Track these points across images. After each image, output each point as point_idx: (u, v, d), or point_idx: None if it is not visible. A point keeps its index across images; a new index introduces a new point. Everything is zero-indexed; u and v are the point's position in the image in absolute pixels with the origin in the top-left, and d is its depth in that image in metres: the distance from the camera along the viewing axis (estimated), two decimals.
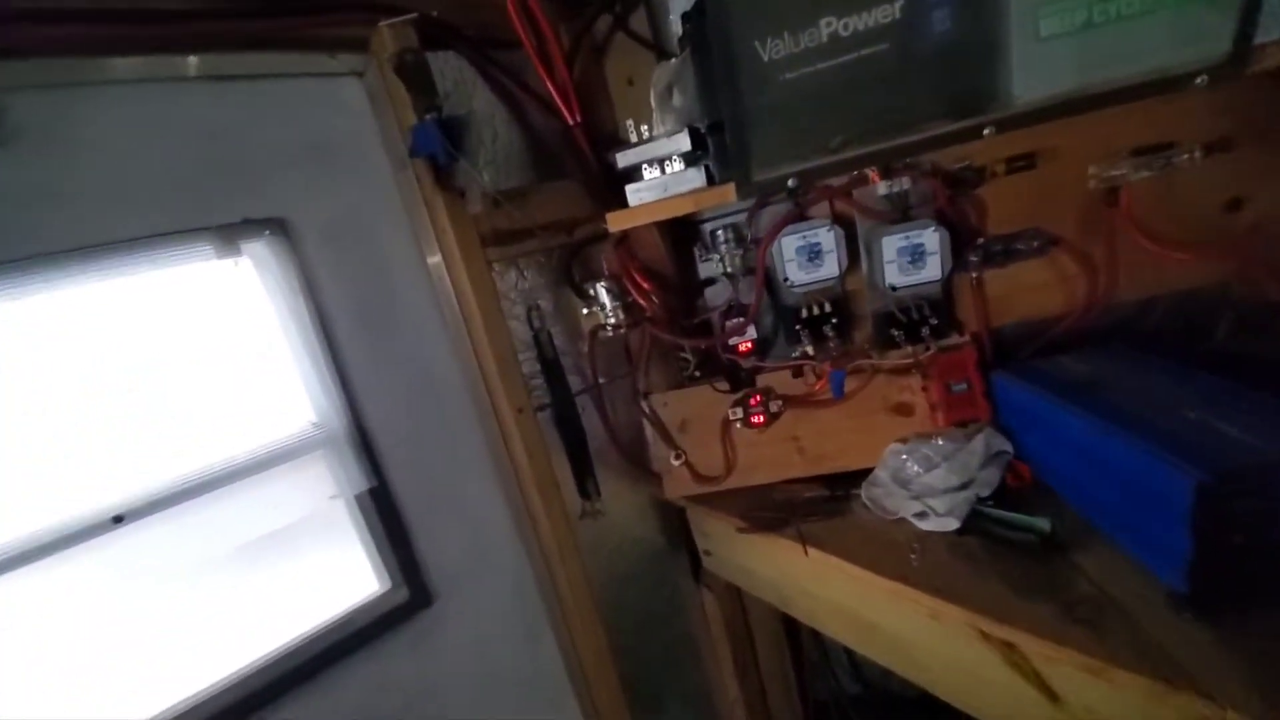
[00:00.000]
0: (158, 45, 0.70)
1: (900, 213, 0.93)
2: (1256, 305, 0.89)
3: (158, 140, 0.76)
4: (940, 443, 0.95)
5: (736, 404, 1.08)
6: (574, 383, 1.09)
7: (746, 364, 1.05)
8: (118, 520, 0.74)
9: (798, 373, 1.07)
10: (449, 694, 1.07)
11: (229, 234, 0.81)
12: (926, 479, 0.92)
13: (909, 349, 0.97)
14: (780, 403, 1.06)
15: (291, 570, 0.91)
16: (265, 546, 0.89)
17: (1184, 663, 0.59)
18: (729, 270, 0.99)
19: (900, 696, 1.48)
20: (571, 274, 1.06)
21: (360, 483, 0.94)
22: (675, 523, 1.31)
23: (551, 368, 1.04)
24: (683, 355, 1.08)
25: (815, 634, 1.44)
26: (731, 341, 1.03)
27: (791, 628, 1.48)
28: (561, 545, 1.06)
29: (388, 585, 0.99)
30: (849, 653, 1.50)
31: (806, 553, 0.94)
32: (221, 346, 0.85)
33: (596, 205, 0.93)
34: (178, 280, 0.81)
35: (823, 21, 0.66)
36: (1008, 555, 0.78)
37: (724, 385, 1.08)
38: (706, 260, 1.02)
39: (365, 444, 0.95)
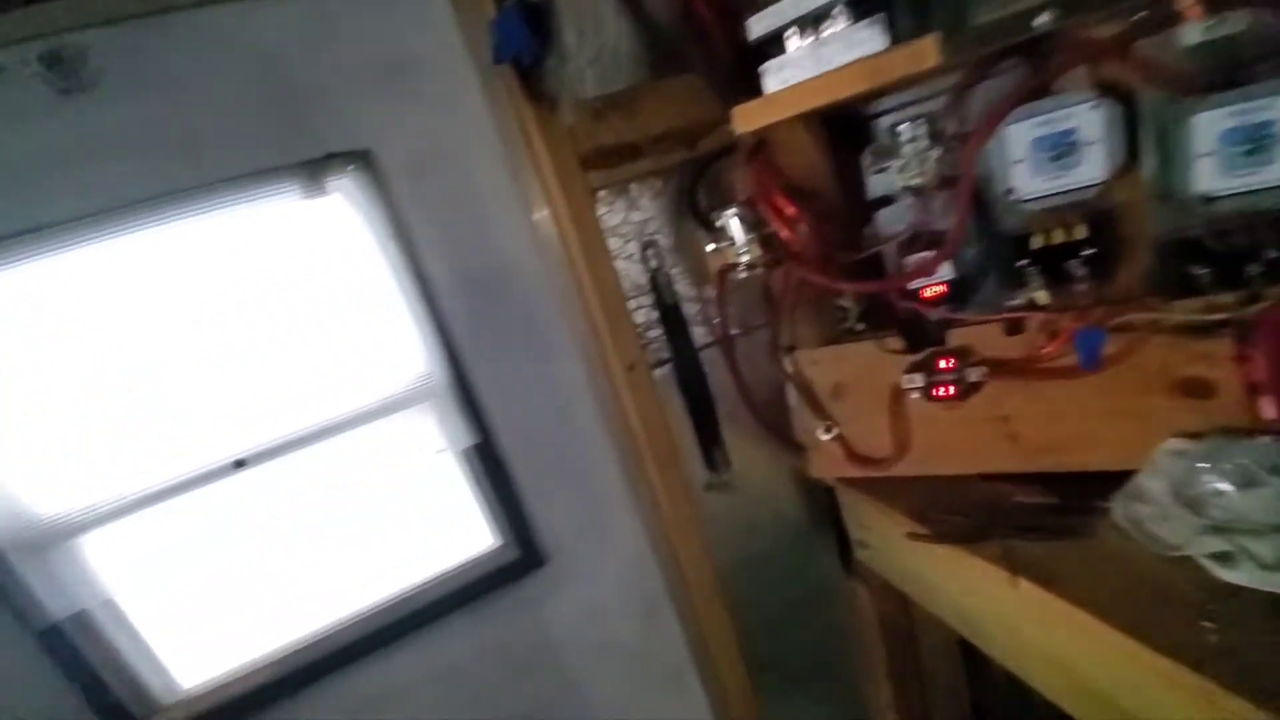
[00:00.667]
0: None
1: (1228, 73, 0.55)
2: None
3: (230, 72, 0.72)
4: (1268, 444, 0.59)
5: (916, 368, 0.81)
6: (699, 335, 0.90)
7: (935, 315, 0.76)
8: (239, 465, 0.76)
9: (1014, 328, 0.75)
10: (562, 655, 1.05)
11: (313, 171, 0.76)
12: (1238, 501, 0.59)
13: (1221, 297, 0.61)
14: (983, 369, 0.76)
15: (406, 519, 0.92)
16: (380, 495, 0.89)
17: None
18: (915, 183, 0.70)
19: None
20: (695, 200, 0.85)
21: (464, 438, 0.90)
22: (823, 500, 1.10)
23: (671, 316, 0.87)
24: (840, 303, 0.83)
25: None
26: (914, 284, 0.75)
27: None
28: (682, 519, 0.92)
29: (499, 543, 0.96)
30: None
31: (1016, 583, 0.68)
32: (328, 293, 0.83)
33: (723, 100, 0.69)
34: (275, 222, 0.78)
35: None
36: None
37: (897, 343, 0.81)
38: (880, 171, 0.73)
39: (468, 398, 0.89)
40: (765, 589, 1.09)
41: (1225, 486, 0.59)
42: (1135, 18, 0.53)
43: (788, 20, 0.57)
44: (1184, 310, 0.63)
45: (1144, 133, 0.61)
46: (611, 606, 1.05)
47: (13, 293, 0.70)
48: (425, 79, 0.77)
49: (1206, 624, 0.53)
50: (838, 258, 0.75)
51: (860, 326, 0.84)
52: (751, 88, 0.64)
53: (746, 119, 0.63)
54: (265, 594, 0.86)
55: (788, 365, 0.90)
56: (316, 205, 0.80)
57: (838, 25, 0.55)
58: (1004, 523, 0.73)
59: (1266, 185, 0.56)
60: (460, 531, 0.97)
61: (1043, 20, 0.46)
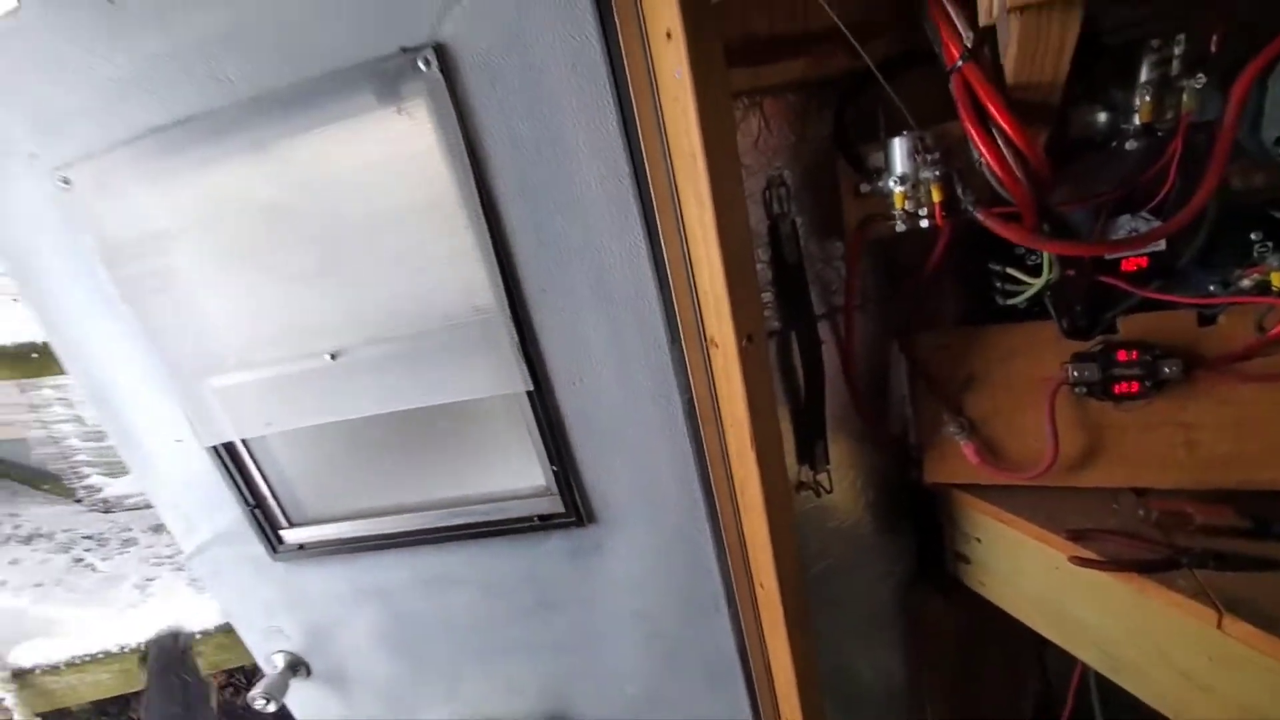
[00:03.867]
0: None
1: None
2: None
3: None
4: None
5: (1085, 358, 0.67)
6: (818, 303, 0.74)
7: (1134, 292, 0.62)
8: (334, 357, 0.79)
9: (1217, 316, 0.62)
10: (596, 611, 0.97)
11: (386, 72, 0.60)
12: None
13: None
14: (1178, 363, 0.63)
15: (469, 437, 0.89)
16: (455, 412, 0.85)
17: None
18: (1147, 120, 0.54)
19: None
20: (845, 126, 0.67)
21: (518, 383, 0.76)
22: (906, 505, 0.96)
23: (791, 278, 0.69)
24: (1007, 272, 0.68)
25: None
26: (1118, 254, 0.60)
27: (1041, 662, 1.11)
28: (774, 520, 0.77)
29: (546, 487, 0.88)
30: None
31: (1220, 622, 0.55)
32: (400, 208, 0.70)
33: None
34: (355, 133, 0.66)
35: None
36: None
37: (1072, 326, 0.67)
38: (1099, 103, 0.58)
39: (526, 343, 0.74)
40: (836, 602, 0.96)
41: None
42: None
43: None
44: None
45: None
46: (654, 586, 0.95)
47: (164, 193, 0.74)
48: None
49: None
50: (1056, 206, 0.59)
51: (1015, 305, 0.70)
52: None
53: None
54: (352, 467, 0.95)
55: (906, 346, 0.75)
56: (395, 115, 0.61)
57: None
58: (1191, 549, 0.61)
59: None
60: (515, 465, 0.90)
61: None
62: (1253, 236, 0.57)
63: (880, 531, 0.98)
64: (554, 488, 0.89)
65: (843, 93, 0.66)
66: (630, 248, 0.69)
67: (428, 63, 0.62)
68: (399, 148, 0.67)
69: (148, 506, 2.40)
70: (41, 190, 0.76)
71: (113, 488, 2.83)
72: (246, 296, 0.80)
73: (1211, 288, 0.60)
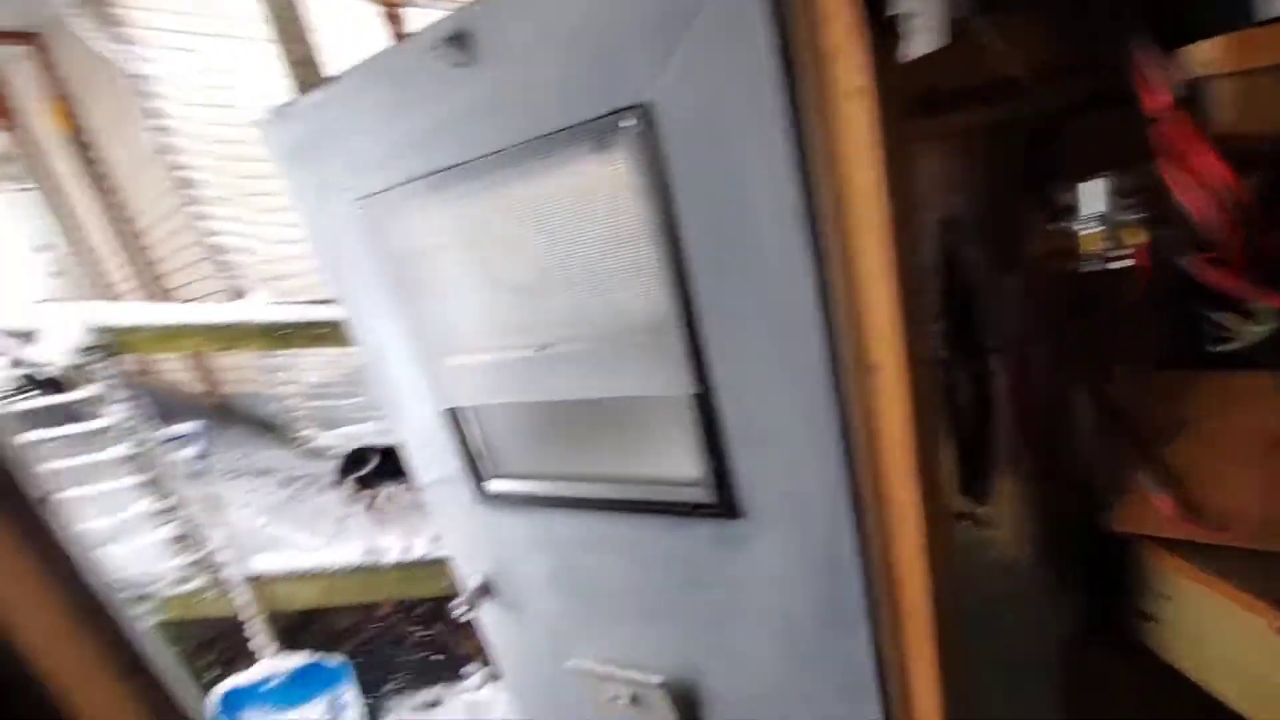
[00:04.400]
0: None
1: None
2: None
3: (551, 34, 0.76)
4: None
5: None
6: (988, 336, 0.73)
7: None
8: (539, 350, 0.98)
9: None
10: (734, 598, 1.06)
11: (600, 128, 0.76)
12: None
13: None
14: None
15: (638, 425, 1.04)
16: (631, 405, 1.01)
17: None
18: None
19: None
20: (1032, 166, 0.66)
21: (687, 385, 0.89)
22: (1078, 551, 0.89)
23: (962, 309, 0.70)
24: (1218, 316, 0.62)
25: None
26: None
27: None
28: (932, 548, 0.79)
29: (699, 480, 0.98)
30: None
31: None
32: (600, 237, 0.87)
33: (1145, 43, 0.50)
34: (570, 176, 0.84)
35: None
36: None
37: None
38: None
39: (696, 352, 0.86)
40: (986, 643, 0.93)
41: None
42: None
43: None
44: None
45: None
46: (794, 588, 1.00)
47: (423, 220, 1.00)
48: (709, 25, 0.67)
49: None
50: (1261, 254, 0.54)
51: (1244, 350, 0.63)
52: (1211, 26, 0.45)
53: (1222, 54, 0.44)
54: (541, 438, 1.17)
55: (1097, 388, 0.71)
56: (601, 162, 0.77)
57: None
58: None
59: None
60: (675, 455, 1.01)
61: None
62: None
63: (1043, 574, 0.93)
64: (707, 481, 0.99)
65: (1031, 134, 0.64)
66: (797, 275, 0.75)
67: (633, 121, 0.74)
68: (605, 187, 0.82)
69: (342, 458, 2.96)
70: (350, 215, 1.05)
71: (321, 440, 3.55)
72: (479, 300, 1.02)
73: None
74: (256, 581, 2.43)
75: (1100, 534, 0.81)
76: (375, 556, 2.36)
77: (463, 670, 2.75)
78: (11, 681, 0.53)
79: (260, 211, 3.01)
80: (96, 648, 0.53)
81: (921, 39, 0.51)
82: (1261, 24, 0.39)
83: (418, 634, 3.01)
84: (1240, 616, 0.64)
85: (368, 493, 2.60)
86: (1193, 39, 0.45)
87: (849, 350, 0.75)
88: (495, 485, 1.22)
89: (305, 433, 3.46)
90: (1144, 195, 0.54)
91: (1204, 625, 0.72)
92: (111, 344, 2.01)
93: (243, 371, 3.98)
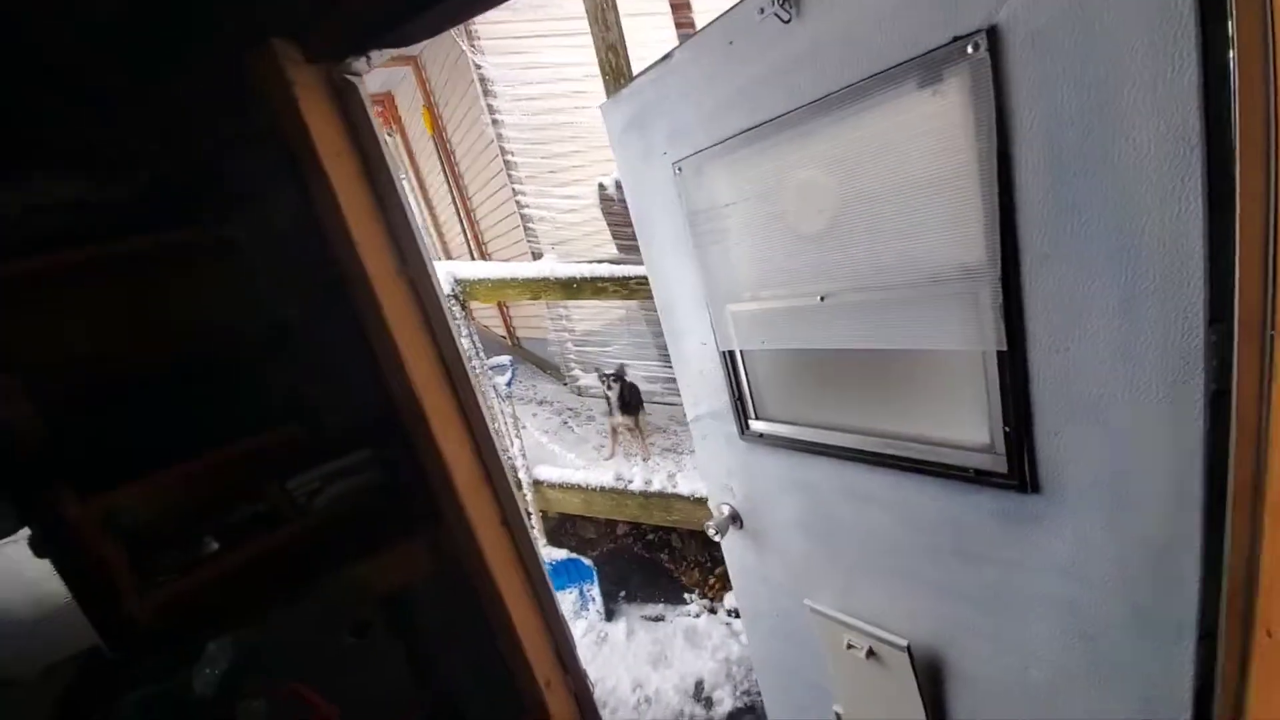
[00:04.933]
0: None
1: None
2: None
3: None
4: None
5: None
6: None
7: None
8: (822, 299, 1.03)
9: None
10: (1010, 584, 0.98)
11: (933, 61, 0.73)
12: None
13: None
14: None
15: (919, 381, 1.01)
16: (915, 358, 0.99)
17: None
18: None
19: None
20: None
21: (992, 341, 0.83)
22: None
23: None
24: None
25: None
26: None
27: None
28: None
29: (989, 446, 0.92)
30: None
31: None
32: (914, 181, 0.84)
33: None
34: (890, 117, 0.82)
35: None
36: None
37: None
38: None
39: (1010, 306, 0.80)
40: None
41: None
42: None
43: None
44: None
45: None
46: (1098, 583, 0.86)
47: (731, 176, 1.09)
48: None
49: None
50: None
51: None
52: None
53: None
54: (808, 385, 1.21)
55: None
56: (931, 97, 0.75)
57: None
58: None
59: None
60: (961, 415, 0.96)
61: None
62: None
63: None
64: (999, 448, 0.91)
65: None
66: (1178, 215, 0.63)
67: (976, 46, 0.70)
68: (927, 125, 0.79)
69: (600, 396, 3.43)
70: (665, 176, 1.20)
71: (585, 380, 4.11)
72: (769, 249, 1.09)
73: None
74: (538, 486, 3.05)
75: None
76: (623, 483, 2.74)
77: (685, 596, 3.04)
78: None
79: (554, 186, 3.61)
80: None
81: None
82: None
83: (647, 556, 3.40)
84: None
85: (622, 420, 2.99)
86: None
87: (1247, 302, 0.61)
88: (757, 426, 1.31)
89: (574, 373, 4.12)
90: None
91: None
92: (461, 293, 2.70)
93: (530, 320, 4.90)
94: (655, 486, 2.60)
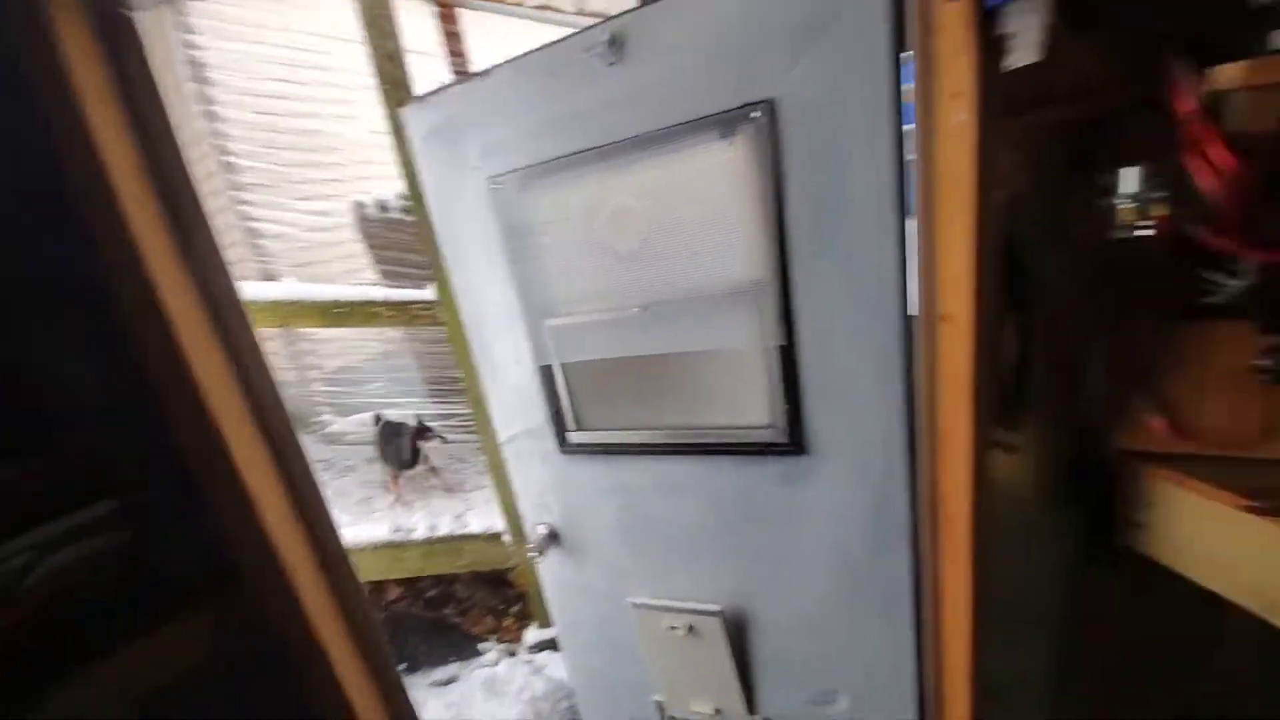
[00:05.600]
0: None
1: None
2: None
3: (696, 40, 0.92)
4: None
5: (1272, 351, 0.81)
6: (1036, 294, 0.94)
7: None
8: (643, 309, 1.14)
9: None
10: (795, 531, 1.23)
11: (730, 119, 0.94)
12: None
13: None
14: None
15: (720, 380, 1.19)
16: (712, 357, 1.17)
17: None
18: None
19: None
20: (1084, 155, 0.87)
21: (773, 338, 1.07)
22: (1077, 481, 1.11)
23: (1017, 271, 0.90)
24: (1213, 274, 0.83)
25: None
26: None
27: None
28: (973, 472, 0.98)
29: (772, 423, 1.16)
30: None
31: None
32: (713, 211, 1.03)
33: (1179, 61, 0.71)
34: (695, 160, 1.00)
35: None
36: None
37: (1266, 323, 0.81)
38: None
39: (786, 309, 1.04)
40: (1002, 559, 1.13)
41: None
42: None
43: None
44: None
45: None
46: (849, 516, 1.16)
47: (553, 196, 1.14)
48: (835, 36, 0.85)
49: None
50: (1252, 221, 0.75)
51: (1228, 303, 0.84)
52: (1229, 51, 0.66)
53: (1238, 76, 0.65)
54: (624, 391, 1.30)
55: (1125, 335, 0.92)
56: (726, 147, 0.93)
57: None
58: None
59: None
60: (749, 400, 1.18)
61: None
62: None
63: (1053, 496, 1.14)
64: (780, 423, 1.16)
65: (1085, 128, 0.85)
66: (881, 240, 0.94)
67: (760, 113, 0.92)
68: (722, 168, 0.98)
69: (366, 443, 3.06)
70: (478, 189, 1.18)
71: (341, 425, 3.58)
72: (587, 266, 1.17)
73: None
74: None
75: (1098, 459, 1.03)
76: (402, 534, 2.43)
77: (479, 647, 2.82)
78: None
79: (295, 200, 3.05)
80: None
81: (1021, 54, 0.70)
82: (1271, 53, 0.60)
83: (428, 616, 3.06)
84: (1210, 506, 0.86)
85: (399, 473, 2.67)
86: (1217, 62, 0.66)
87: (925, 304, 0.93)
88: (576, 436, 1.36)
89: (324, 417, 3.48)
90: (1167, 179, 0.75)
91: (1182, 522, 0.94)
92: None
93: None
94: (443, 530, 2.38)
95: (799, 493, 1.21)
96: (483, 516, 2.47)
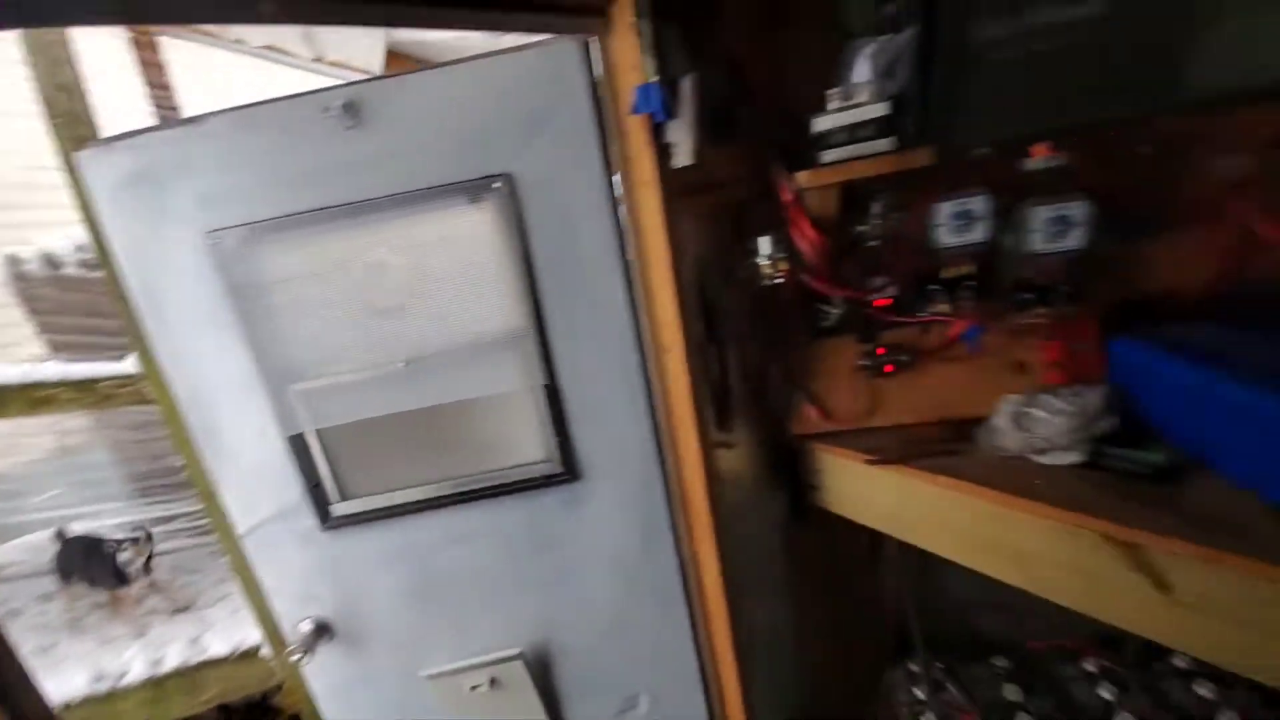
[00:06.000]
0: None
1: (1053, 187, 1.03)
2: None
3: (435, 117, 1.03)
4: (1059, 394, 1.08)
5: (869, 354, 1.22)
6: (724, 327, 1.23)
7: (883, 318, 1.18)
8: (407, 364, 1.16)
9: (928, 328, 1.20)
10: (579, 550, 1.35)
11: (475, 187, 1.05)
12: (1049, 425, 1.05)
13: (1039, 312, 1.09)
14: (908, 355, 1.20)
15: (496, 425, 1.25)
16: (485, 403, 1.22)
17: None
18: (881, 231, 1.11)
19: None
20: (735, 228, 1.20)
21: (539, 378, 1.19)
22: (778, 464, 1.46)
23: (709, 310, 1.19)
24: (824, 307, 1.22)
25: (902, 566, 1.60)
26: (872, 296, 1.16)
27: (873, 562, 1.65)
28: (704, 467, 1.22)
29: (548, 456, 1.27)
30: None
31: (936, 480, 1.09)
32: (470, 267, 1.11)
33: (777, 167, 1.06)
34: (447, 220, 1.09)
35: (1031, 9, 0.78)
36: (1127, 482, 0.92)
37: (857, 337, 1.22)
38: (862, 222, 1.15)
39: (546, 352, 1.18)
40: (738, 533, 1.42)
41: (1042, 414, 1.05)
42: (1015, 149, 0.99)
43: (838, 126, 0.95)
44: (1023, 318, 1.11)
45: (1008, 215, 1.08)
46: (622, 525, 1.31)
47: (295, 252, 1.10)
48: (557, 127, 1.03)
49: (1037, 482, 0.98)
50: (833, 273, 1.14)
51: (836, 326, 1.24)
52: (801, 162, 1.01)
53: (804, 180, 1.00)
54: (397, 449, 1.28)
55: (784, 352, 1.27)
56: (475, 211, 1.03)
57: (868, 134, 0.95)
58: (924, 450, 1.15)
59: (1063, 249, 1.04)
60: (525, 439, 1.25)
61: (984, 150, 0.89)
62: (932, 287, 1.15)
63: (765, 478, 1.47)
64: (554, 455, 1.27)
65: (736, 208, 1.19)
66: (614, 290, 1.14)
67: (500, 184, 1.05)
68: (475, 230, 1.09)
69: (30, 575, 2.32)
70: (191, 245, 1.06)
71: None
72: (341, 323, 1.14)
73: (920, 314, 1.17)
74: None
75: (786, 444, 1.38)
76: (108, 682, 1.84)
77: None
78: None
79: None
80: None
81: (680, 158, 0.96)
82: (819, 166, 0.97)
83: None
84: (850, 465, 1.23)
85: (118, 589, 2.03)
86: (799, 169, 1.01)
87: (650, 340, 1.16)
88: (344, 507, 1.27)
89: None
90: (785, 244, 1.10)
91: (839, 479, 1.31)
92: None
93: None
94: (172, 663, 1.87)
95: (578, 515, 1.33)
96: (228, 633, 2.03)
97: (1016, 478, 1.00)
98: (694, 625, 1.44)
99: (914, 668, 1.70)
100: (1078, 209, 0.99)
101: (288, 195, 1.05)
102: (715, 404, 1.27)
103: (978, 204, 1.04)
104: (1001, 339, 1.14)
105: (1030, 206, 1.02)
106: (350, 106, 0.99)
